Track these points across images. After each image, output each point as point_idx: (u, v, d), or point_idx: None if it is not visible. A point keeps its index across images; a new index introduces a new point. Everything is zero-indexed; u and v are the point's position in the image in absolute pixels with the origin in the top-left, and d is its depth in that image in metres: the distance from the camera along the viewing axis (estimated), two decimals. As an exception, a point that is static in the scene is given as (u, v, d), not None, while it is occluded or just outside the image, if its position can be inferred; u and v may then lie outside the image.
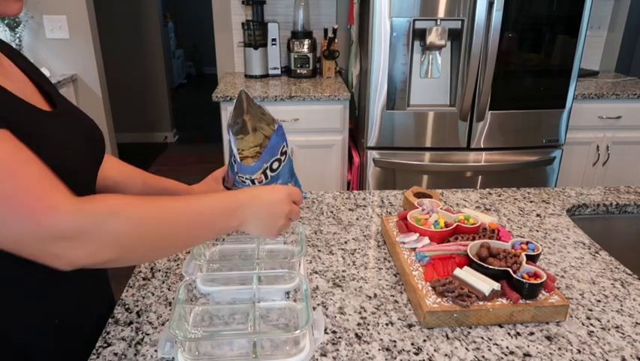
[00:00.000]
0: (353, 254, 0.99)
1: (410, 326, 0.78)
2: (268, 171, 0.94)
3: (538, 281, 0.78)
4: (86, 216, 0.55)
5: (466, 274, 0.81)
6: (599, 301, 0.86)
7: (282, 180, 1.01)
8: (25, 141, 0.56)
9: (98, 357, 0.71)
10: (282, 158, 0.96)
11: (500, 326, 0.79)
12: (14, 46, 2.74)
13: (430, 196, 1.14)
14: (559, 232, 1.10)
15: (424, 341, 0.75)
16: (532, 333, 0.77)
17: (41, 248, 0.54)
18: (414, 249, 0.93)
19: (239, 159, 0.93)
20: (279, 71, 2.90)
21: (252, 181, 0.95)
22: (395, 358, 0.72)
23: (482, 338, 0.76)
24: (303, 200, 0.94)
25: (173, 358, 0.70)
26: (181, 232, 0.65)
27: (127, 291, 0.86)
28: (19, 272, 0.65)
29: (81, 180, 0.70)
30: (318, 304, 0.84)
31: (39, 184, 0.54)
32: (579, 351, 0.73)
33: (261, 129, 1.00)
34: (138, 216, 0.60)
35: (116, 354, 0.72)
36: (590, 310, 0.83)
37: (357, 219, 1.15)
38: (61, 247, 0.54)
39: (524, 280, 0.78)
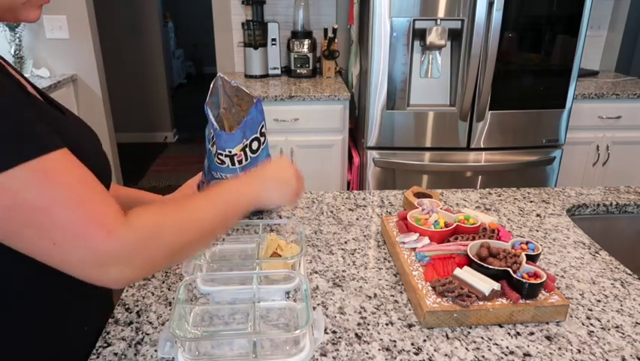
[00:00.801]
0: (353, 254, 0.99)
1: (410, 325, 0.78)
2: (248, 150, 0.93)
3: (538, 281, 0.78)
4: (137, 241, 0.57)
5: (466, 274, 0.81)
6: (599, 301, 0.86)
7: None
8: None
9: (98, 357, 0.71)
10: (262, 139, 0.96)
11: (500, 325, 0.79)
12: (14, 46, 2.74)
13: (430, 196, 1.14)
14: (559, 231, 1.10)
15: (424, 341, 0.75)
16: (532, 333, 0.77)
17: (99, 272, 0.56)
18: (414, 249, 0.93)
19: (218, 128, 0.91)
20: (279, 71, 2.90)
21: (232, 159, 0.94)
22: (395, 358, 0.72)
23: (482, 338, 0.76)
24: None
25: (173, 358, 0.70)
26: (216, 223, 0.68)
27: (127, 291, 0.86)
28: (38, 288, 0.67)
29: (105, 184, 0.70)
30: (318, 304, 0.84)
31: (102, 209, 0.56)
32: (579, 351, 0.73)
33: (238, 124, 1.00)
34: (178, 224, 0.63)
35: (116, 354, 0.72)
36: (590, 310, 0.83)
37: (357, 219, 1.15)
38: (117, 270, 0.56)
39: (524, 280, 0.78)
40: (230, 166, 0.97)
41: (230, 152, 0.93)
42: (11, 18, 0.66)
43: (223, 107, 1.01)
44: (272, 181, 0.78)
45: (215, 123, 0.92)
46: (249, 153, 0.95)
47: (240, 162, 0.95)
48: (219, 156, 0.95)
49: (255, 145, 0.95)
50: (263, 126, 0.96)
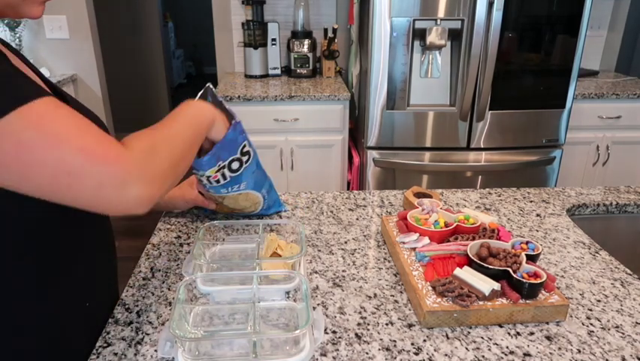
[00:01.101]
0: (353, 254, 0.99)
1: (410, 325, 0.78)
2: (226, 171, 0.93)
3: (538, 281, 0.78)
4: (141, 156, 0.62)
5: (466, 273, 0.81)
6: (599, 301, 0.86)
7: (245, 183, 0.99)
8: None
9: (97, 357, 0.71)
10: (244, 159, 0.94)
11: (500, 325, 0.79)
12: (14, 46, 2.75)
13: (430, 196, 1.14)
14: (559, 231, 1.10)
15: (424, 340, 0.75)
16: (532, 333, 0.77)
17: (120, 194, 0.59)
18: (414, 249, 0.93)
19: None
20: (279, 71, 2.90)
21: (209, 179, 0.93)
22: (395, 358, 0.72)
23: (482, 337, 0.76)
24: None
25: (173, 358, 0.70)
26: (193, 138, 0.77)
27: (127, 291, 0.86)
28: (48, 258, 0.68)
29: None
30: (318, 304, 0.84)
31: (102, 137, 0.59)
32: (579, 351, 0.73)
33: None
34: (167, 140, 0.69)
35: (116, 354, 0.72)
36: (590, 310, 0.83)
37: (357, 219, 1.15)
38: (135, 188, 0.59)
39: (524, 280, 0.78)
40: (209, 185, 0.96)
41: (204, 173, 0.93)
42: (12, 14, 0.66)
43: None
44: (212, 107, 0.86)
45: None
46: (227, 173, 0.94)
47: (217, 181, 0.95)
48: (195, 172, 0.95)
49: (235, 165, 0.93)
50: (245, 146, 0.94)
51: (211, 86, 0.98)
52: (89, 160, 0.57)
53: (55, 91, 0.77)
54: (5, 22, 2.71)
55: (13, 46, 2.78)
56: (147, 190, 0.60)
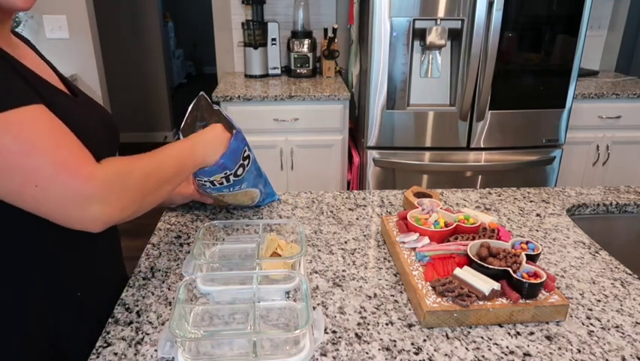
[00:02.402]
0: (353, 254, 0.99)
1: (410, 325, 0.78)
2: (232, 177, 0.94)
3: (538, 281, 0.78)
4: (112, 180, 0.62)
5: (466, 273, 0.81)
6: (599, 300, 0.86)
7: (246, 183, 1.01)
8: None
9: (98, 357, 0.71)
10: (246, 163, 0.96)
11: (500, 325, 0.78)
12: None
13: (430, 196, 1.14)
14: (559, 231, 1.10)
15: (424, 340, 0.75)
16: (532, 333, 0.77)
17: (80, 212, 0.59)
18: (414, 249, 0.93)
19: None
20: (278, 71, 2.90)
21: (212, 183, 0.95)
22: (395, 358, 0.72)
23: (482, 337, 0.76)
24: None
25: (173, 358, 0.70)
26: (173, 173, 0.79)
27: (127, 291, 0.86)
28: (41, 248, 0.69)
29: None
30: (318, 304, 0.84)
31: (78, 154, 0.60)
32: (579, 351, 0.73)
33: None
34: (143, 170, 0.71)
35: (116, 354, 0.72)
36: (590, 309, 0.83)
37: (357, 219, 1.15)
38: (96, 208, 0.60)
39: (524, 280, 0.78)
40: (212, 186, 0.97)
41: (207, 180, 0.94)
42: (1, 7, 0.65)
43: (210, 117, 1.02)
44: (211, 144, 0.89)
45: None
46: (231, 178, 0.95)
47: (221, 184, 0.96)
48: (198, 180, 0.96)
49: (239, 171, 0.95)
50: (245, 150, 0.96)
51: (204, 95, 0.98)
52: (59, 175, 0.57)
53: (68, 86, 0.78)
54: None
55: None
56: (107, 212, 0.61)
